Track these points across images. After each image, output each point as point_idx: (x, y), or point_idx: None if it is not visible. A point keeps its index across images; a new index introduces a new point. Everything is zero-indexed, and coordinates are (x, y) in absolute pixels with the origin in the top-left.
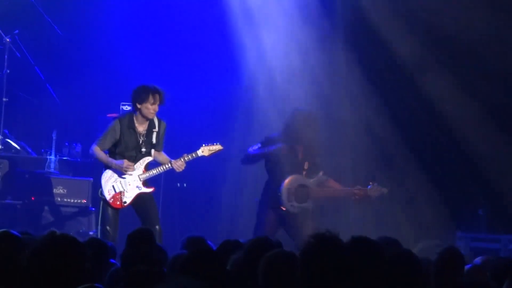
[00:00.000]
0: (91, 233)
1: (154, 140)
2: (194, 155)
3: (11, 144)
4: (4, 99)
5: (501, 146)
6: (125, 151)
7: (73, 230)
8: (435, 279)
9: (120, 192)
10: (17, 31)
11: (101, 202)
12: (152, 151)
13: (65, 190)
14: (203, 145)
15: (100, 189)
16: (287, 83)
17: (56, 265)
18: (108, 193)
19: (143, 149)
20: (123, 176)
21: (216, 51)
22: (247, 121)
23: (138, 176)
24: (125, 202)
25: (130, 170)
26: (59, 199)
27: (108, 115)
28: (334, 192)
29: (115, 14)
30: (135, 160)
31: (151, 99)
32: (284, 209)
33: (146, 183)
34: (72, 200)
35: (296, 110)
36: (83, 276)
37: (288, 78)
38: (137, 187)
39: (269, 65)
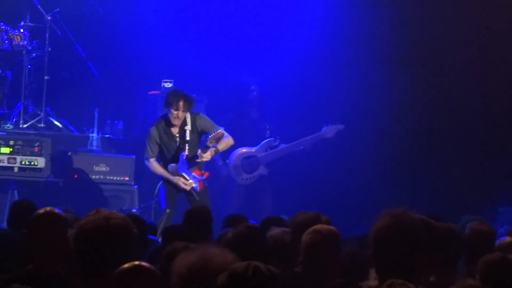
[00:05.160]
0: (134, 210)
1: (188, 137)
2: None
3: (53, 123)
4: (45, 77)
5: None
6: (168, 155)
7: (115, 207)
8: (466, 255)
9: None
10: (57, 9)
11: (159, 188)
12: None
13: (108, 168)
14: (209, 136)
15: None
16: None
17: (106, 245)
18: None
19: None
20: (180, 174)
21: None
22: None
23: (187, 169)
24: (195, 189)
25: (187, 187)
26: (101, 177)
27: (150, 92)
28: (283, 150)
29: None
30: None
31: (174, 105)
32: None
33: (199, 168)
34: (114, 178)
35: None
36: (130, 255)
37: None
38: (194, 177)
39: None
